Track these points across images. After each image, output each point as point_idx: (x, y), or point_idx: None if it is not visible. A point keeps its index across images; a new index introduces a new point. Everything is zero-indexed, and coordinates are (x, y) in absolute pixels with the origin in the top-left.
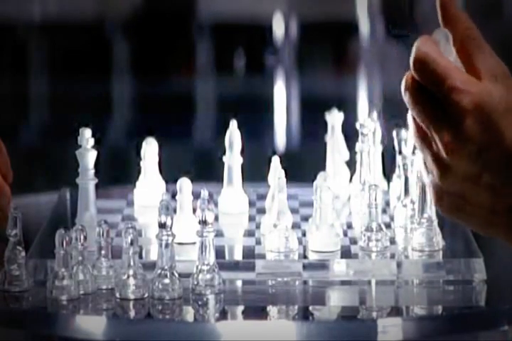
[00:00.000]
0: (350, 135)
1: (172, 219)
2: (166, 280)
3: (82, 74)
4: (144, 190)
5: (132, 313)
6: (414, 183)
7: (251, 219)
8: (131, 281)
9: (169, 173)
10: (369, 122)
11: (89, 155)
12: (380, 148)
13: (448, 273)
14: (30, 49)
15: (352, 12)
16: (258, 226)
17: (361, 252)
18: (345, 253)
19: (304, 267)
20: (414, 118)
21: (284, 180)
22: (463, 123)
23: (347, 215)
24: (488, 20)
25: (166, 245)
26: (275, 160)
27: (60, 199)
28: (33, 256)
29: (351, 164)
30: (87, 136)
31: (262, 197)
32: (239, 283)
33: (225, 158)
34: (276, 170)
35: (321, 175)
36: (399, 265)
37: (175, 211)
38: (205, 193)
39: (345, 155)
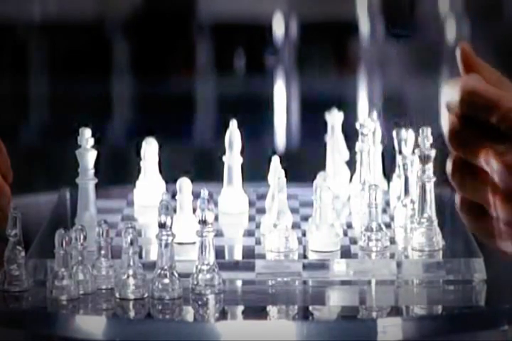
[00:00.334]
0: (350, 135)
1: (172, 219)
2: (166, 280)
3: (82, 74)
4: (143, 190)
5: (132, 313)
6: (414, 183)
7: (251, 219)
8: (131, 281)
9: (169, 173)
10: (369, 122)
11: (89, 155)
12: (380, 148)
13: (448, 273)
14: (30, 49)
15: (352, 12)
16: (258, 226)
17: (361, 252)
18: (345, 253)
19: (304, 267)
20: None
21: (284, 179)
22: None
23: (347, 215)
24: (488, 20)
25: (166, 245)
26: (275, 160)
27: (60, 199)
28: (33, 256)
29: (351, 164)
30: (86, 135)
31: (262, 197)
32: (239, 283)
33: (225, 158)
34: (276, 170)
35: (320, 175)
36: (399, 265)
37: (175, 211)
38: (205, 193)
39: (345, 155)
